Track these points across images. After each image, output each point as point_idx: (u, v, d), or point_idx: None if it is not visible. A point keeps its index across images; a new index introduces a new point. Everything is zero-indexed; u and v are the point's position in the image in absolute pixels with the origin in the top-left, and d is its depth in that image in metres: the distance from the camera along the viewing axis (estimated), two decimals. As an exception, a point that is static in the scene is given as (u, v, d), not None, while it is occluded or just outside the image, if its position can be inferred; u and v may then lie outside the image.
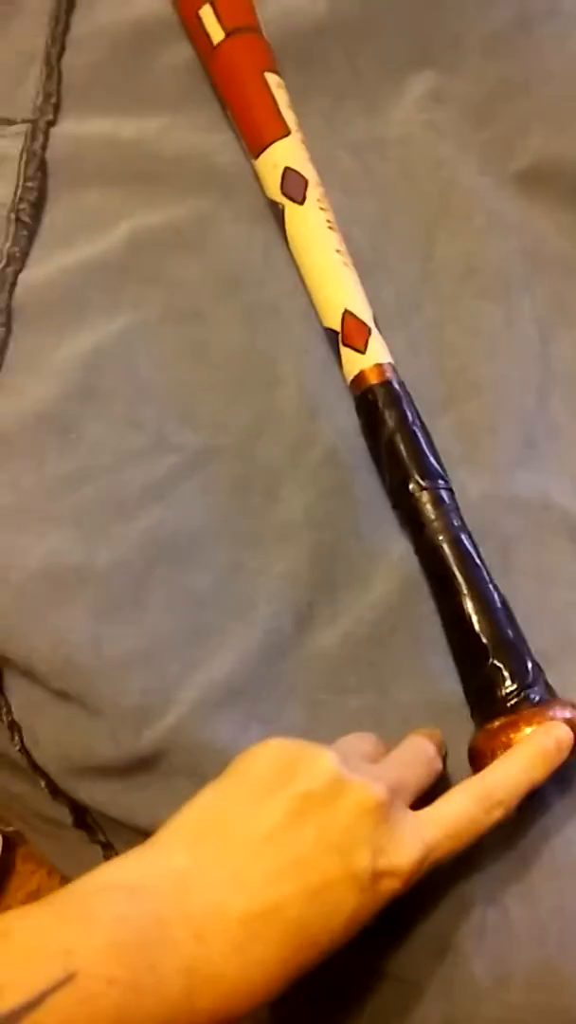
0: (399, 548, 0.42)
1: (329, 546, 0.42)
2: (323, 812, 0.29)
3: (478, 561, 0.39)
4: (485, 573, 0.38)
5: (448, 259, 0.51)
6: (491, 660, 0.36)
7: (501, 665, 0.36)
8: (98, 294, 0.48)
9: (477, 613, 0.37)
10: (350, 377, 0.43)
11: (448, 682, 0.39)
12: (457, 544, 0.38)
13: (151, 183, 0.52)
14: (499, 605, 0.37)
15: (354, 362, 0.43)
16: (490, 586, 0.38)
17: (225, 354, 0.47)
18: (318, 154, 0.54)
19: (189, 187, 0.52)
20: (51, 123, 0.53)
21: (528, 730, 0.34)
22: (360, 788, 0.29)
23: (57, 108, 0.54)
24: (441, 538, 0.39)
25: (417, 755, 0.34)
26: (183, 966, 0.26)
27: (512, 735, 0.34)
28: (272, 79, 0.50)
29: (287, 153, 0.48)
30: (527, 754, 0.33)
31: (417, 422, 0.42)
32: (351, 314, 0.44)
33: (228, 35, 0.51)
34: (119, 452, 0.44)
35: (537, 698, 0.35)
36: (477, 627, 0.37)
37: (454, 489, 0.43)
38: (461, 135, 0.56)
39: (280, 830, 0.28)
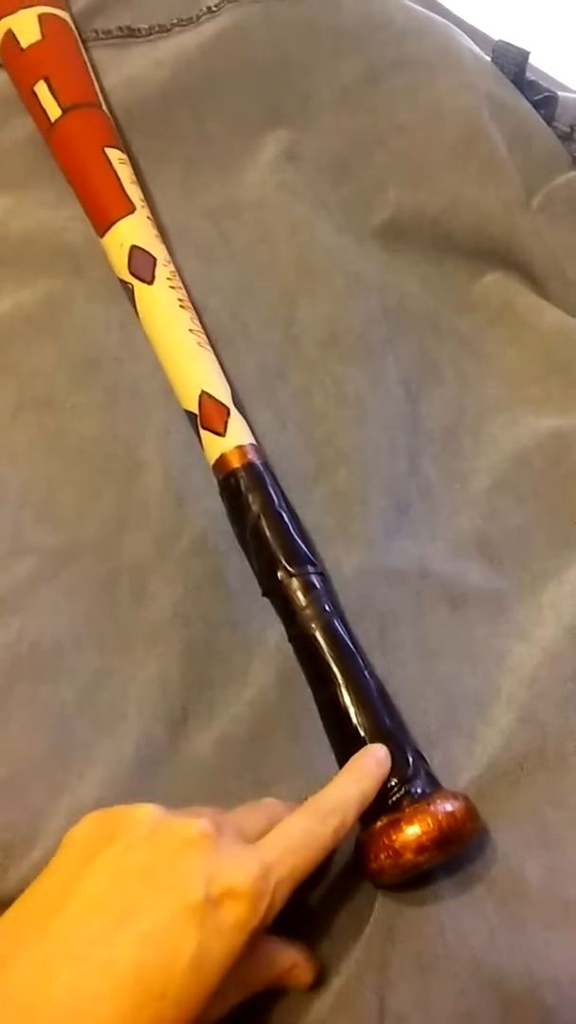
0: (275, 636, 0.40)
1: (202, 642, 0.40)
2: (146, 859, 0.28)
3: (352, 648, 0.37)
4: (360, 660, 0.37)
5: (310, 324, 0.50)
6: (369, 753, 0.34)
7: (378, 758, 0.34)
8: (-57, 391, 0.46)
9: (353, 704, 0.35)
10: (212, 460, 0.42)
11: (330, 774, 0.37)
12: (330, 631, 0.37)
13: (-3, 267, 0.50)
14: (375, 694, 0.36)
15: (214, 445, 0.41)
16: (365, 674, 0.37)
17: (83, 442, 0.45)
18: (173, 223, 0.53)
19: (39, 268, 0.50)
20: None
21: (410, 830, 0.32)
22: (181, 824, 0.29)
23: None
24: (313, 626, 0.37)
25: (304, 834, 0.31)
26: None
27: (395, 836, 0.32)
28: (114, 155, 0.49)
29: (132, 231, 0.46)
30: (354, 767, 0.34)
31: (283, 504, 0.40)
32: (208, 395, 0.42)
33: (65, 112, 0.49)
34: (-27, 561, 0.41)
35: (419, 791, 0.34)
36: (354, 719, 0.35)
37: (329, 566, 0.42)
38: (318, 193, 0.55)
39: (105, 891, 0.27)
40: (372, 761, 0.34)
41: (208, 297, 0.50)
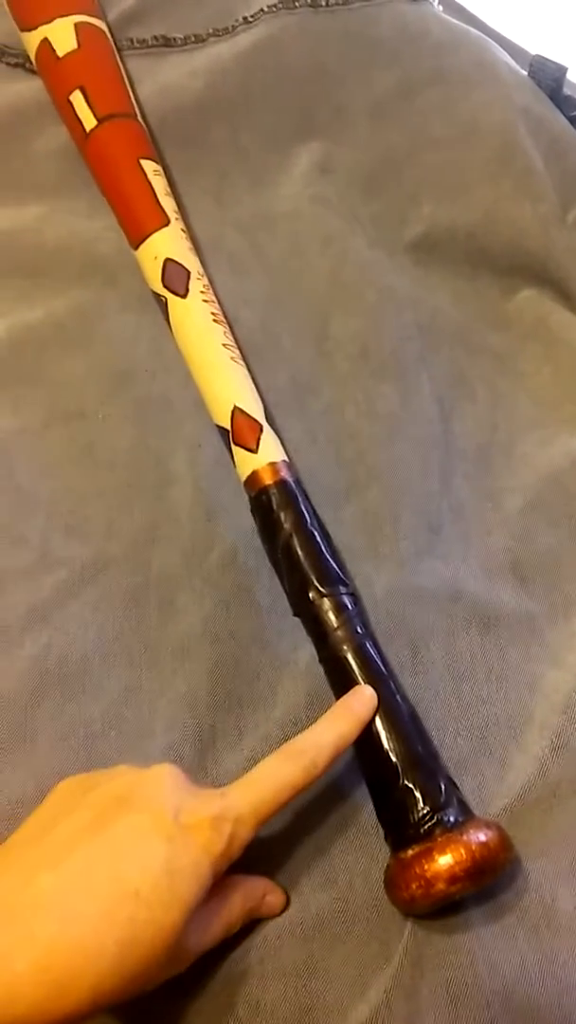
0: (305, 655, 0.40)
1: (231, 659, 0.40)
2: (122, 791, 0.30)
3: (384, 671, 0.37)
4: (392, 684, 0.37)
5: (343, 339, 0.50)
6: (402, 781, 0.34)
7: (412, 786, 0.34)
8: (-25, 401, 0.46)
9: (385, 729, 0.35)
10: (243, 477, 0.41)
11: (362, 800, 0.37)
12: (361, 653, 0.36)
13: (30, 276, 0.50)
14: (407, 718, 0.36)
15: (246, 462, 0.41)
16: (397, 698, 0.36)
17: (114, 454, 0.45)
18: (206, 234, 0.53)
19: (71, 278, 0.50)
20: None
21: (442, 860, 0.32)
22: (155, 767, 0.31)
23: None
24: (345, 648, 0.37)
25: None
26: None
27: (427, 866, 0.32)
28: (148, 166, 0.48)
29: (167, 244, 0.46)
30: (336, 709, 0.35)
31: (315, 522, 0.40)
32: (240, 411, 0.42)
33: (100, 122, 0.49)
34: (1, 571, 0.41)
35: (452, 820, 0.33)
36: (385, 744, 0.35)
37: (360, 585, 0.41)
38: (351, 206, 0.55)
39: (85, 818, 0.29)
40: (356, 702, 0.35)
41: (240, 310, 0.50)
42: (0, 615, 0.40)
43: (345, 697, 0.35)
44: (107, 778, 0.31)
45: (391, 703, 0.36)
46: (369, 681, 0.36)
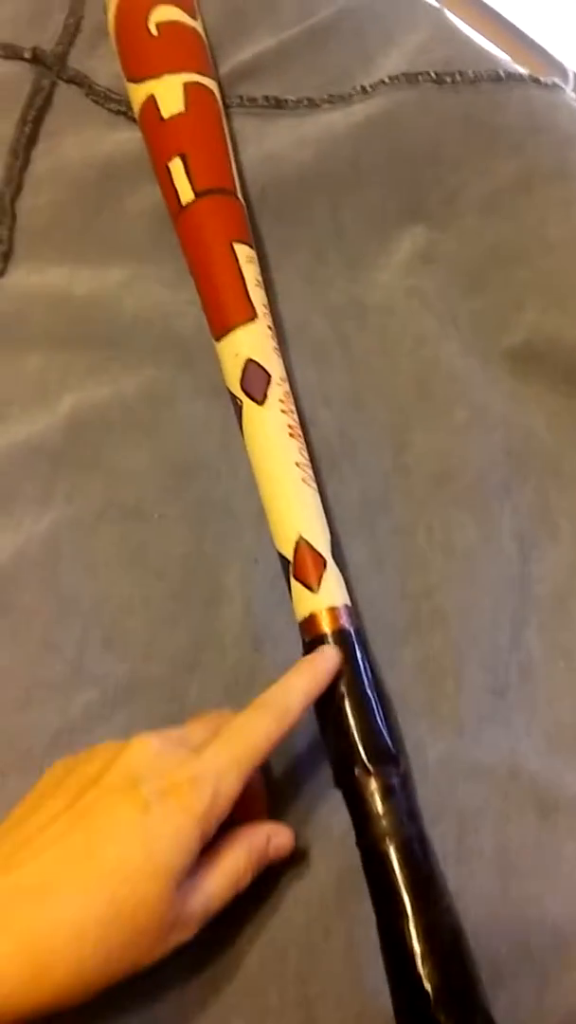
0: (342, 824, 0.36)
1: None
2: (98, 771, 0.30)
3: (429, 875, 0.33)
4: (436, 891, 0.33)
5: (423, 454, 0.46)
6: (433, 1013, 0.30)
7: (443, 1021, 0.30)
8: (29, 484, 0.43)
9: (421, 947, 0.31)
10: (299, 616, 0.38)
11: (386, 999, 0.33)
12: (405, 852, 0.33)
13: (103, 348, 0.48)
14: (448, 938, 0.32)
15: (305, 601, 0.38)
16: (441, 908, 0.32)
17: (165, 560, 0.42)
18: (292, 319, 0.50)
19: (145, 354, 0.48)
20: (-1, 274, 0.48)
21: None
22: (131, 740, 0.31)
23: (7, 256, 0.49)
24: (387, 842, 0.33)
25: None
26: None
27: None
28: (242, 251, 0.45)
29: (250, 342, 0.43)
30: (301, 666, 0.35)
31: (371, 683, 0.36)
32: (305, 543, 0.39)
33: (198, 196, 0.46)
34: (30, 683, 0.38)
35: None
36: (419, 966, 0.31)
37: (410, 749, 0.38)
38: (449, 303, 0.51)
39: (63, 802, 0.30)
40: (322, 656, 0.36)
41: (318, 409, 0.47)
42: (25, 734, 0.37)
43: (311, 657, 0.36)
44: (86, 758, 0.31)
45: (433, 917, 0.32)
46: (409, 886, 0.32)
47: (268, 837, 0.33)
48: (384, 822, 0.33)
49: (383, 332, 0.50)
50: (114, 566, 0.42)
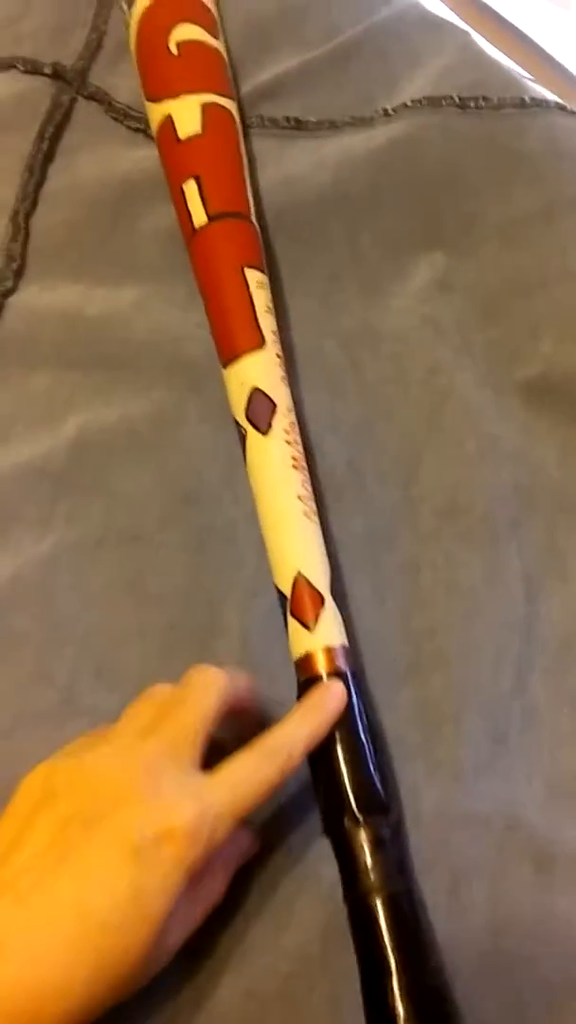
0: (331, 874, 0.35)
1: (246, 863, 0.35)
2: (85, 806, 0.29)
3: (418, 934, 0.32)
4: (425, 950, 0.32)
5: (432, 487, 0.45)
6: None
7: None
8: (30, 506, 0.43)
9: (405, 1013, 0.30)
10: (295, 655, 0.37)
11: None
12: (393, 908, 0.32)
13: (112, 369, 0.47)
14: (434, 997, 0.31)
15: (301, 639, 0.37)
16: (427, 967, 0.31)
17: (164, 589, 0.42)
18: (304, 343, 0.49)
19: (154, 376, 0.47)
20: (10, 291, 0.48)
21: None
22: (121, 770, 0.30)
23: (19, 273, 0.49)
24: (376, 897, 0.32)
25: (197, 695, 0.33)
26: None
27: None
28: (253, 276, 0.45)
29: (257, 370, 0.42)
30: (305, 705, 0.35)
31: (366, 728, 0.35)
32: (304, 579, 0.38)
33: (211, 220, 0.46)
34: (18, 711, 0.38)
35: None
36: (402, 1030, 0.30)
37: (404, 795, 0.37)
38: (464, 334, 0.50)
39: (47, 840, 0.28)
40: (326, 697, 0.35)
41: (326, 437, 0.46)
42: (11, 762, 0.37)
43: (314, 692, 0.35)
44: (69, 781, 0.30)
45: (419, 980, 0.31)
46: (396, 946, 0.31)
47: (239, 847, 0.34)
48: (372, 876, 0.32)
49: (396, 360, 0.49)
50: (112, 592, 0.41)
